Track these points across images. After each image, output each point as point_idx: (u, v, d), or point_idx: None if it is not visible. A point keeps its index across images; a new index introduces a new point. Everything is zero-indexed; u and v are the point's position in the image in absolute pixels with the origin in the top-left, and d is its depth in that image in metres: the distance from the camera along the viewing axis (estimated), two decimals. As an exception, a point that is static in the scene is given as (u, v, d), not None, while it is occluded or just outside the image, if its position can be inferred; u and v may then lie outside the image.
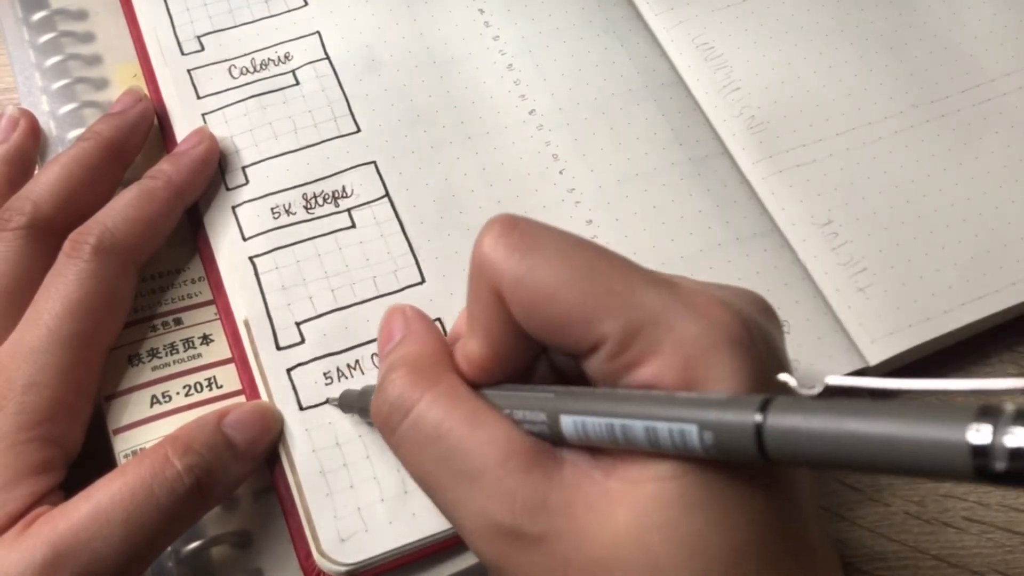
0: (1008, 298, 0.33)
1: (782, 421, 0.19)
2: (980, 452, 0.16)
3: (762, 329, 0.23)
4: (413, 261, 0.33)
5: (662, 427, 0.20)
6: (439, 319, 0.32)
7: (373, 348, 0.31)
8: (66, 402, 0.29)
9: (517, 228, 0.23)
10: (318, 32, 0.37)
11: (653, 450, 0.21)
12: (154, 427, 0.31)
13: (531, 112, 0.36)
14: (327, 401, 0.30)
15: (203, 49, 0.37)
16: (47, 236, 0.31)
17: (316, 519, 0.28)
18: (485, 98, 0.36)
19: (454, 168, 0.35)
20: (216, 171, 0.34)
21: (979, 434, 0.16)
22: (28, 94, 0.37)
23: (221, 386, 0.32)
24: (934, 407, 0.17)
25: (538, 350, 0.25)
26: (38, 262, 0.31)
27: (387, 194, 0.34)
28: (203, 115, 0.35)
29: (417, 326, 0.27)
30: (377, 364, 0.31)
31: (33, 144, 0.35)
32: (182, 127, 0.35)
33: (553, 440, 0.23)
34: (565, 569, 0.22)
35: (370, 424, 0.29)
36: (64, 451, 0.29)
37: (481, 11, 0.38)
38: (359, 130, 0.35)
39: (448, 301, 0.32)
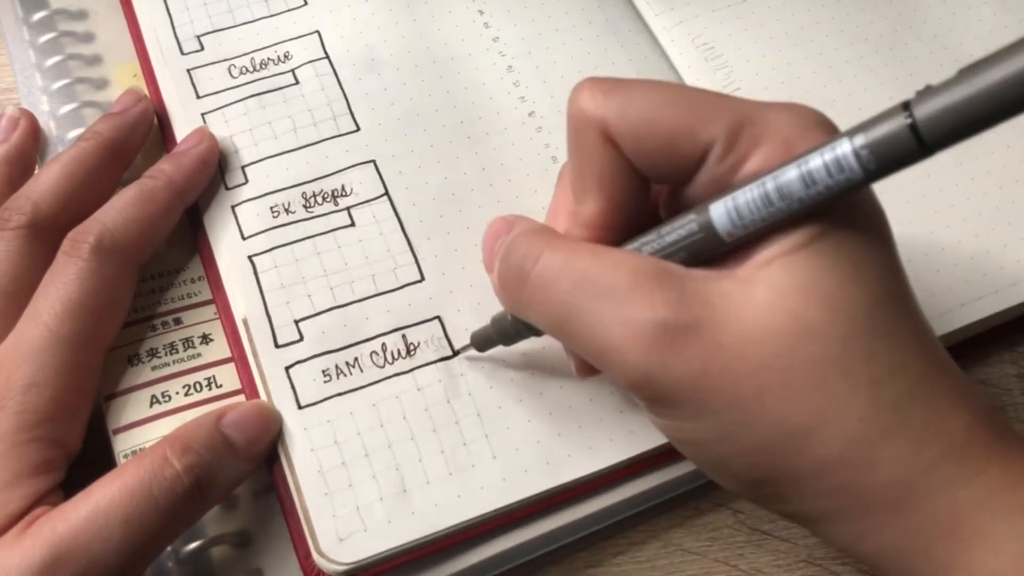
0: (1008, 298, 0.33)
1: (930, 107, 0.20)
2: None
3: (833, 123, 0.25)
4: (412, 259, 0.33)
5: (815, 163, 0.22)
6: (438, 317, 0.32)
7: (372, 346, 0.31)
8: (66, 402, 0.29)
9: (606, 79, 0.25)
10: (318, 31, 0.37)
11: (807, 198, 0.22)
12: (154, 427, 0.31)
13: (531, 113, 0.36)
14: (460, 350, 0.31)
15: (203, 49, 0.37)
16: (47, 236, 0.31)
17: (315, 518, 0.28)
18: (485, 99, 0.36)
19: (454, 167, 0.35)
20: (216, 170, 0.34)
21: None
22: (28, 94, 0.37)
23: (221, 386, 0.32)
24: None
25: (647, 202, 0.26)
26: (38, 261, 0.31)
27: (386, 193, 0.34)
28: (203, 115, 0.35)
29: (522, 219, 0.28)
30: (376, 362, 0.31)
31: (33, 144, 0.36)
32: (182, 127, 0.35)
33: (690, 254, 0.24)
34: (718, 352, 0.23)
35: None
36: (64, 451, 0.29)
37: (481, 12, 0.38)
38: (358, 129, 0.35)
39: (447, 299, 0.32)
